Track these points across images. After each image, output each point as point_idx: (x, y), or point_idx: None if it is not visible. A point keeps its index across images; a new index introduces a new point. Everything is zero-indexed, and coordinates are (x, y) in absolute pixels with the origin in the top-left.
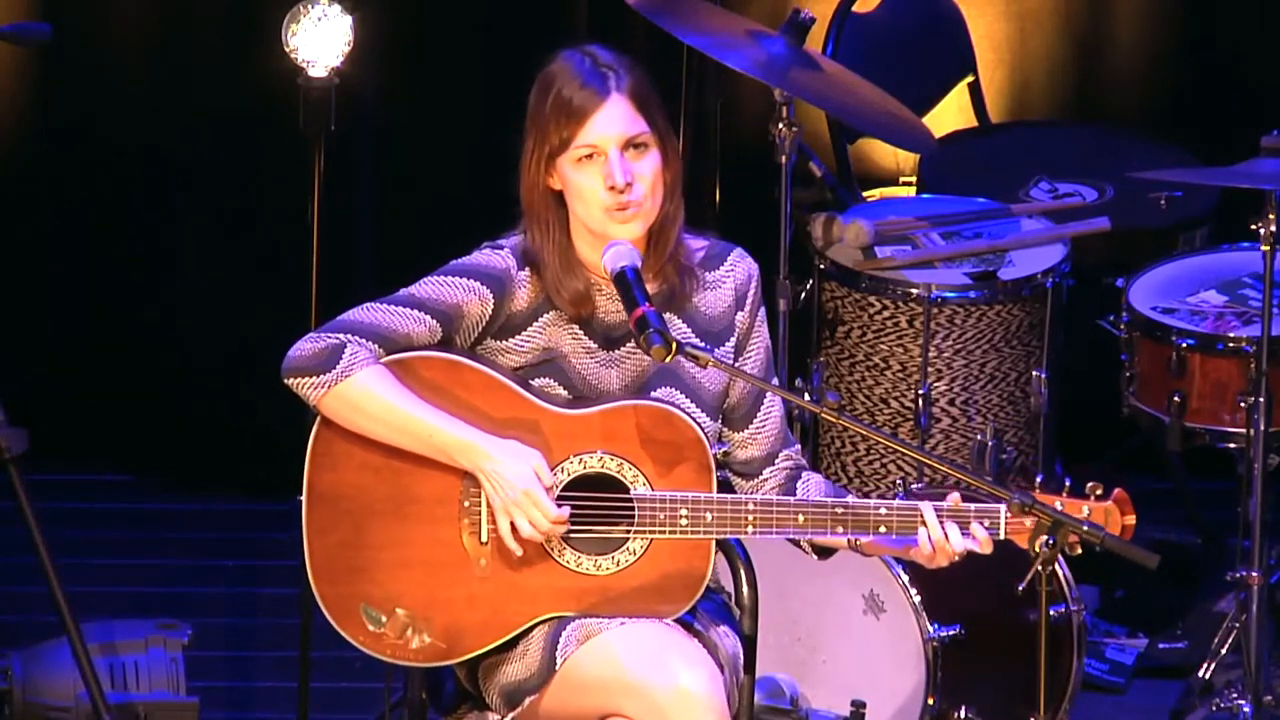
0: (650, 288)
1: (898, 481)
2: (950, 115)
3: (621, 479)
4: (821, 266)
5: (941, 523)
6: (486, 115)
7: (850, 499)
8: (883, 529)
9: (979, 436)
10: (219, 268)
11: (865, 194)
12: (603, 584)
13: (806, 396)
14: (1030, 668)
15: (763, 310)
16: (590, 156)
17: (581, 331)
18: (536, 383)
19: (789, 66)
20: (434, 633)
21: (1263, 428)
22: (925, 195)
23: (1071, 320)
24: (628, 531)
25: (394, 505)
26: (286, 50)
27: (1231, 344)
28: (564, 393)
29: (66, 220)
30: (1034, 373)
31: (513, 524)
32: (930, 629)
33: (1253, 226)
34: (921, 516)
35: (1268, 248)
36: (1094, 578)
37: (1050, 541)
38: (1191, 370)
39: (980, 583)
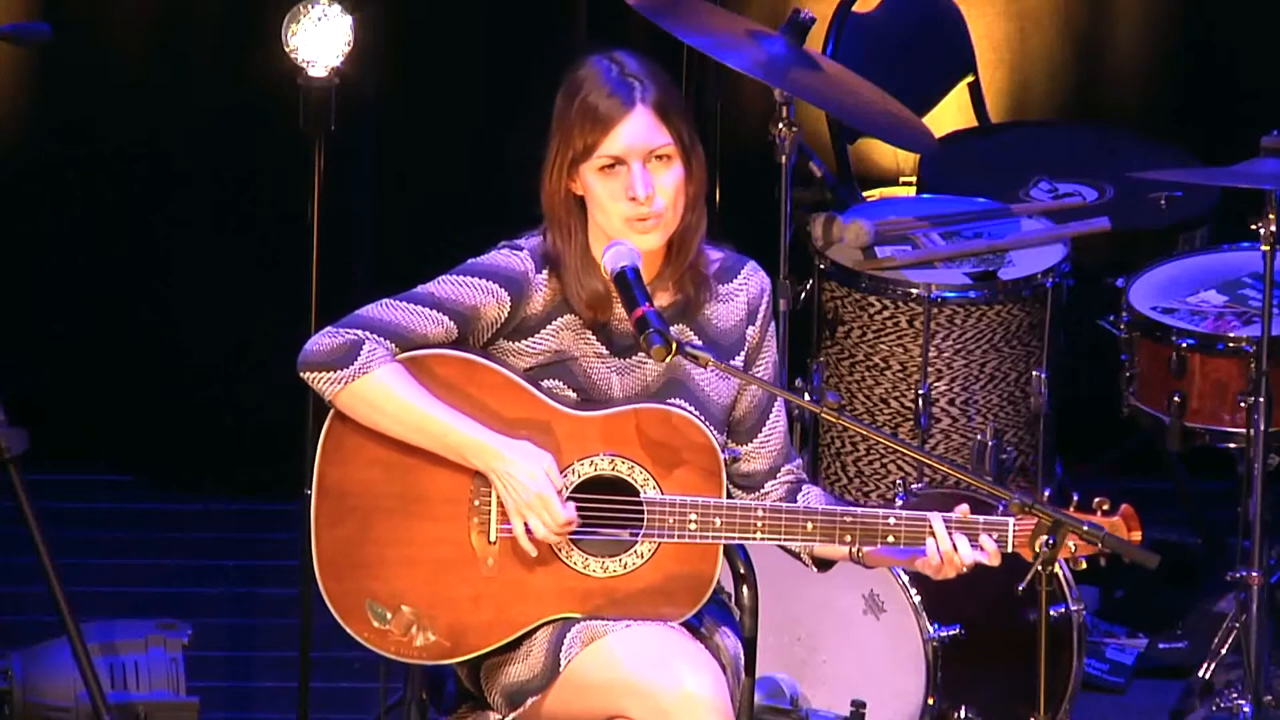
0: (665, 297)
1: (898, 482)
2: (950, 115)
3: (631, 482)
4: (821, 266)
5: (950, 534)
6: (486, 115)
7: (858, 509)
8: (890, 539)
9: (979, 436)
10: (219, 267)
11: (865, 194)
12: (609, 586)
13: (806, 396)
14: (1030, 668)
15: (773, 325)
16: (613, 166)
17: (595, 337)
18: (546, 383)
19: (789, 66)
20: (438, 631)
21: (1263, 428)
22: (925, 195)
23: (1071, 320)
24: (636, 534)
25: (403, 503)
26: (286, 50)
27: (1231, 344)
28: (572, 394)
29: (66, 220)
30: (1034, 373)
31: (526, 525)
32: (930, 629)
33: (1253, 226)
34: (930, 527)
35: (1268, 248)
36: (1094, 578)
37: (1050, 541)
38: (1191, 370)
39: (980, 583)
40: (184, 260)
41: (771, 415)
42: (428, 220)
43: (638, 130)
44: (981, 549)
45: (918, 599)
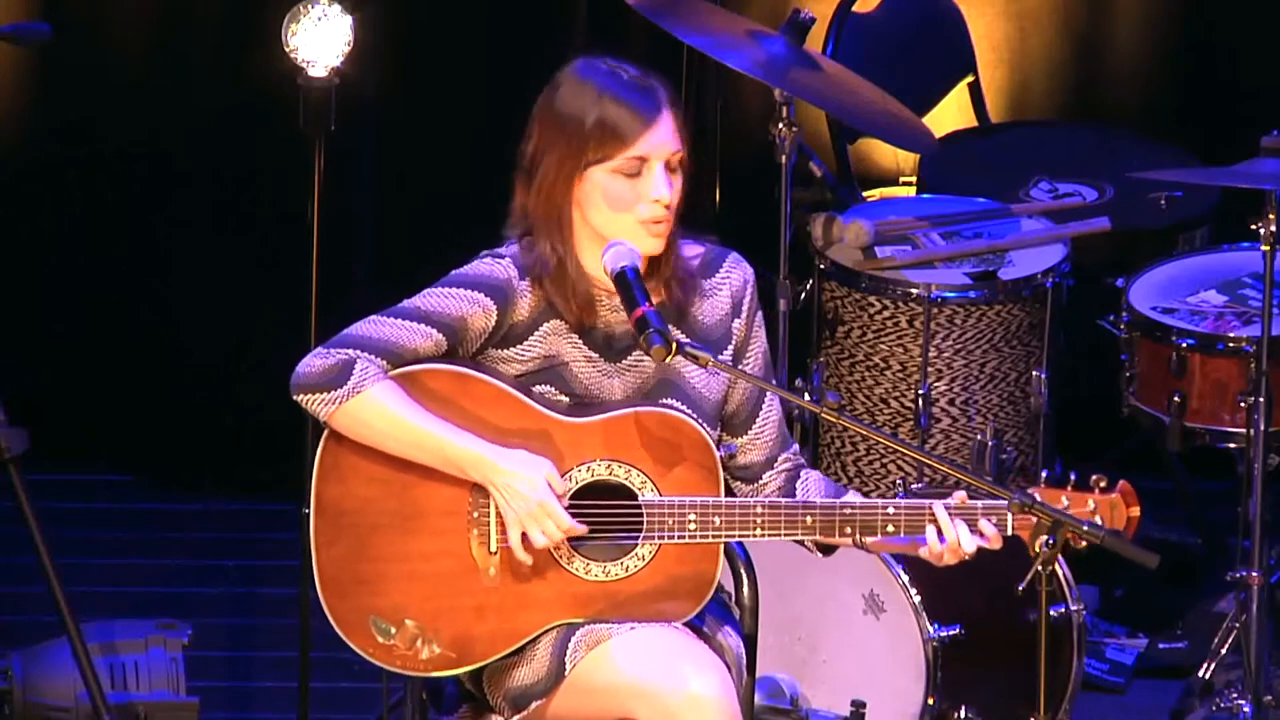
0: (654, 299)
1: (898, 481)
2: (950, 115)
3: (629, 485)
4: (821, 266)
5: (951, 520)
6: (486, 115)
7: (857, 499)
8: (891, 529)
9: (979, 436)
10: (219, 267)
11: (865, 194)
12: (611, 589)
13: (806, 396)
14: (1030, 668)
15: (759, 315)
16: (637, 171)
17: (583, 341)
18: (537, 389)
19: (789, 66)
20: (443, 643)
21: (1263, 428)
22: (925, 195)
23: (1071, 320)
24: (636, 537)
25: (401, 518)
26: (286, 50)
27: (1231, 344)
28: (564, 399)
29: (66, 220)
30: (1034, 373)
31: (523, 534)
32: (930, 629)
33: (1253, 226)
34: (931, 514)
35: (1268, 248)
36: (1094, 578)
37: (1050, 541)
38: (1191, 370)
39: (980, 583)
40: (184, 260)
41: (764, 406)
42: (428, 220)
43: (667, 134)
44: (981, 533)
45: (918, 599)
